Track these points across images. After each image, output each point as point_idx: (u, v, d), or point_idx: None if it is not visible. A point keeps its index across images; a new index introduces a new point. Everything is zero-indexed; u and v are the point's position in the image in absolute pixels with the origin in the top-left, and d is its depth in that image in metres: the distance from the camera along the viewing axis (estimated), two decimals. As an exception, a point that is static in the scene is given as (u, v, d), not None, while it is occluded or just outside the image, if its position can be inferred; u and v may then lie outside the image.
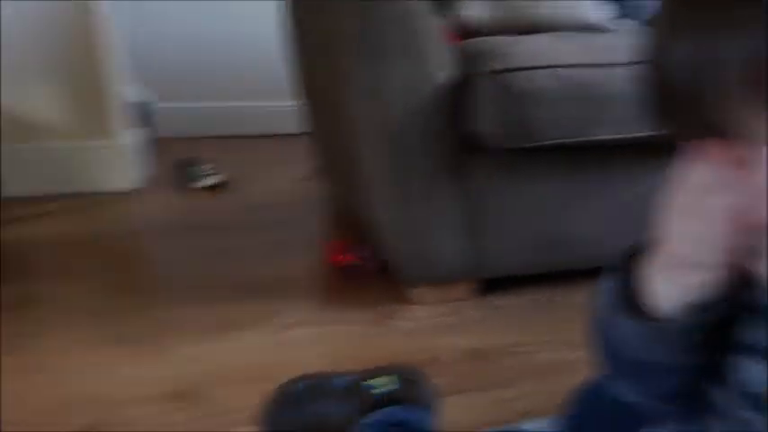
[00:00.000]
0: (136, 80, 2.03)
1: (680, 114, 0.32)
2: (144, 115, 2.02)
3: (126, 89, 1.91)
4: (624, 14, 1.33)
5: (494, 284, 1.09)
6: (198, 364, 0.90)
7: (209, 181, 1.82)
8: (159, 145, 1.98)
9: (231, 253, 1.32)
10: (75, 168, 1.77)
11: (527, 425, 0.69)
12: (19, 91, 1.73)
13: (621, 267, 0.40)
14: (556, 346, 0.90)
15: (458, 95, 0.99)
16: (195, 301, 1.10)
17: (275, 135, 2.16)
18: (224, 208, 1.65)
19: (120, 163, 1.80)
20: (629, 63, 0.74)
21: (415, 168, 1.02)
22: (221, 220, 1.55)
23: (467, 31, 1.17)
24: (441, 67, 1.00)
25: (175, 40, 2.42)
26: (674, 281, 0.36)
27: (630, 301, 0.38)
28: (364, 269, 1.16)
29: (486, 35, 1.12)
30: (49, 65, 1.74)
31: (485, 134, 0.98)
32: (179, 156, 1.93)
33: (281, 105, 2.12)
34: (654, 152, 0.71)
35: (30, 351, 0.94)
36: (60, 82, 1.75)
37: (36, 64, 1.73)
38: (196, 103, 2.46)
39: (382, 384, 0.69)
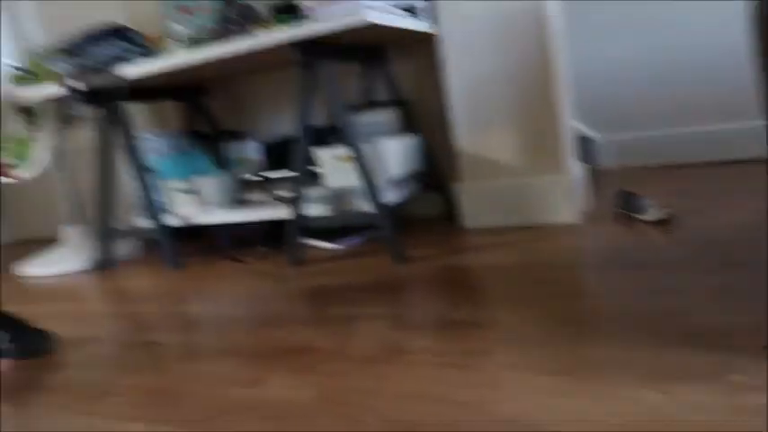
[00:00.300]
0: (579, 113, 2.09)
1: None
2: (586, 148, 2.05)
3: (571, 123, 1.98)
4: None
5: None
6: (637, 408, 0.84)
7: (654, 214, 1.72)
8: (601, 177, 1.97)
9: (676, 294, 1.20)
10: (525, 202, 1.93)
11: None
12: (476, 133, 2.00)
13: None
14: None
15: None
16: (637, 341, 1.04)
17: (730, 161, 1.89)
18: (670, 243, 1.53)
19: (566, 197, 1.87)
20: None
21: None
22: (667, 257, 1.43)
23: None
24: None
25: (612, 67, 2.40)
26: None
27: None
28: None
29: None
30: (505, 106, 1.94)
31: None
32: (621, 187, 1.88)
33: (738, 128, 1.85)
34: None
35: (478, 368, 1.05)
36: (515, 121, 1.92)
37: (492, 106, 1.97)
38: (638, 133, 2.37)
39: None
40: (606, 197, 1.86)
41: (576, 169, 1.91)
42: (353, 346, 1.20)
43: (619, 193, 1.86)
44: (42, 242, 3.00)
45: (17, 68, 2.33)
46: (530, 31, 1.85)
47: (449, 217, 2.20)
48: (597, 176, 1.99)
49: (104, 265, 2.30)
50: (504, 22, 1.88)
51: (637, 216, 1.73)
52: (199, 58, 1.87)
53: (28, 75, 2.27)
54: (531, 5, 1.83)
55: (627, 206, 1.81)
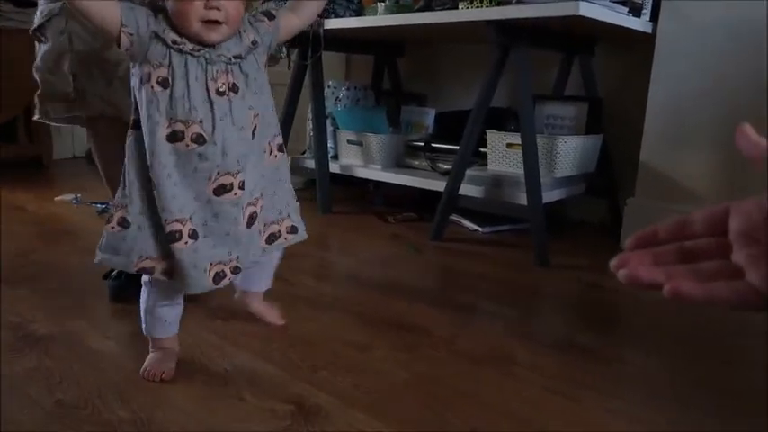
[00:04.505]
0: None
1: None
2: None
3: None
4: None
5: None
6: None
7: None
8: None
9: None
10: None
11: None
12: (667, 148, 1.80)
13: None
14: None
15: None
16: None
17: None
18: None
19: None
20: None
21: None
22: None
23: None
24: None
25: None
26: None
27: None
28: None
29: None
30: (709, 126, 1.72)
31: None
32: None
33: None
34: None
35: (583, 404, 0.97)
36: (717, 146, 1.70)
37: (694, 123, 1.75)
38: None
39: None
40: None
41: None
42: (465, 341, 1.17)
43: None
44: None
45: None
46: (762, 45, 1.60)
47: (609, 230, 2.04)
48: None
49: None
50: (732, 31, 1.64)
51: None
52: (397, 23, 1.90)
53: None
54: (772, 17, 1.58)
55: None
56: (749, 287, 0.33)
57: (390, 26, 1.95)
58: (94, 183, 2.61)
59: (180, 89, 0.85)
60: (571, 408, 0.94)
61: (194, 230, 0.90)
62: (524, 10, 1.61)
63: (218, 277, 0.93)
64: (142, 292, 1.00)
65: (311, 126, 2.37)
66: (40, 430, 0.84)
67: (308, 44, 2.14)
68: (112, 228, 0.91)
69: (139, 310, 1.02)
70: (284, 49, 2.24)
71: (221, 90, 0.87)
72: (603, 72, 2.09)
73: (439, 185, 1.93)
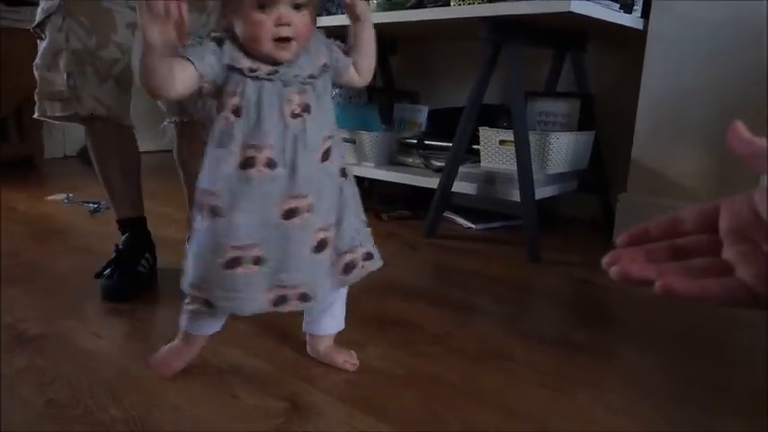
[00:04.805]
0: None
1: None
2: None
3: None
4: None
5: None
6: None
7: None
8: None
9: None
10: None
11: None
12: (659, 145, 1.81)
13: None
14: None
15: None
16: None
17: None
18: None
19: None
20: None
21: None
22: None
23: None
24: None
25: None
26: None
27: None
28: None
29: None
30: (701, 123, 1.72)
31: None
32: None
33: None
34: None
35: (579, 400, 0.98)
36: (709, 143, 1.71)
37: (686, 120, 1.76)
38: None
39: None
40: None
41: None
42: (459, 338, 1.18)
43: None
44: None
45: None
46: (757, 44, 1.60)
47: (601, 225, 2.05)
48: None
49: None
50: (724, 27, 1.65)
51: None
52: (389, 20, 1.90)
53: None
54: None
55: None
56: (739, 284, 0.34)
57: (382, 23, 1.95)
58: (86, 182, 2.60)
59: (254, 115, 0.83)
60: (567, 403, 0.95)
61: (259, 257, 0.85)
62: (516, 7, 1.61)
63: (280, 300, 0.87)
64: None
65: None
66: (31, 430, 0.83)
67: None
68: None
69: (134, 310, 1.01)
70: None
71: (296, 112, 0.84)
72: (595, 69, 2.10)
73: (432, 183, 1.93)
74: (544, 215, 1.84)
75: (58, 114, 1.34)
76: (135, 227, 1.46)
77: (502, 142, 1.89)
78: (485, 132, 1.92)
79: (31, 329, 1.14)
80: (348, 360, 1.03)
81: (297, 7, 0.81)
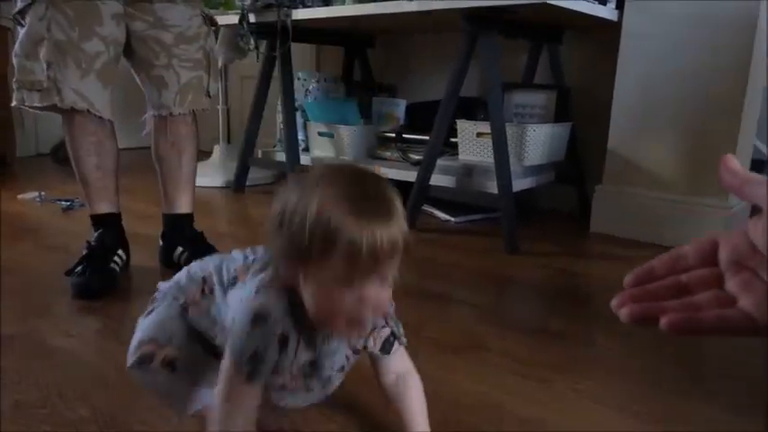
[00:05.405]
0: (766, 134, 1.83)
1: None
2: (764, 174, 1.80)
3: (754, 144, 1.74)
4: None
5: None
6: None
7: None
8: None
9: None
10: (670, 221, 1.73)
11: None
12: (634, 135, 1.82)
13: None
14: None
15: None
16: (744, 408, 0.90)
17: None
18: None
19: (723, 226, 1.63)
20: None
21: None
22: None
23: None
24: None
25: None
26: None
27: None
28: None
29: None
30: (676, 112, 1.73)
31: None
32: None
33: None
34: None
35: (554, 387, 0.98)
36: (684, 131, 1.73)
37: (661, 109, 1.77)
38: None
39: None
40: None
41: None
42: (435, 328, 1.17)
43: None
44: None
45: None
46: (730, 33, 1.62)
47: (578, 216, 2.06)
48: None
49: (236, 187, 2.47)
50: (697, 19, 1.66)
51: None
52: (366, 12, 1.89)
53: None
54: (741, 4, 1.59)
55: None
56: (741, 314, 0.35)
57: (359, 16, 1.93)
58: (58, 180, 2.55)
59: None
60: (542, 390, 0.95)
61: None
62: (491, -2, 1.61)
63: None
64: None
65: (281, 118, 2.34)
66: (-3, 431, 0.81)
67: (277, 35, 2.11)
68: None
69: (106, 307, 0.99)
70: (252, 41, 2.21)
71: (336, 368, 0.75)
72: (571, 61, 2.11)
73: (410, 176, 1.92)
74: (522, 207, 1.84)
75: (36, 105, 1.30)
76: (109, 223, 1.43)
77: (479, 134, 1.89)
78: (462, 125, 1.92)
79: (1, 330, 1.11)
80: None
81: (383, 279, 0.64)
